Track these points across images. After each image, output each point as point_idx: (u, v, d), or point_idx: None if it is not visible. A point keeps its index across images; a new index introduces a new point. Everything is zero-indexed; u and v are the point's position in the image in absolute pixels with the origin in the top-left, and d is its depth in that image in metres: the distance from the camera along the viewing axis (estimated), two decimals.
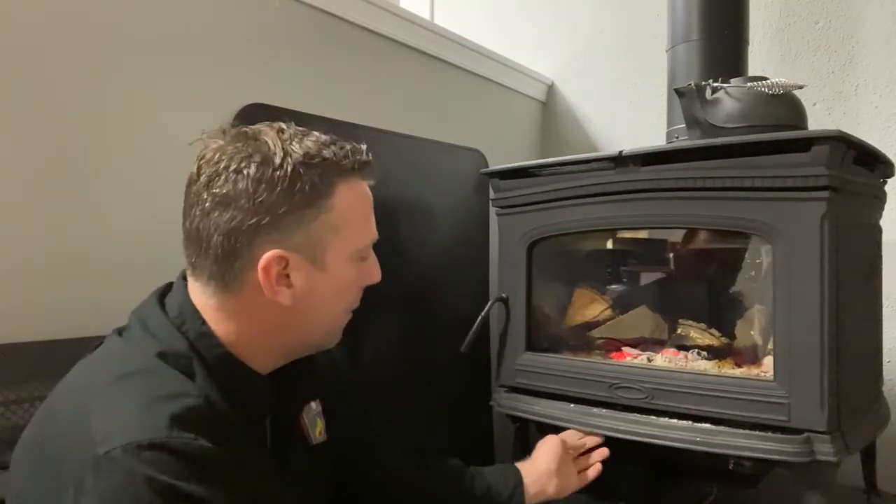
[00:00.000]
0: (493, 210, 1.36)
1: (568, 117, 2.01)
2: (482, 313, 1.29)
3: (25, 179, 0.90)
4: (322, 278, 0.70)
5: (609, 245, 1.46)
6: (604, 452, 1.10)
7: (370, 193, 0.76)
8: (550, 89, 2.03)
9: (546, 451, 1.05)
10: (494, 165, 1.37)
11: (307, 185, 0.67)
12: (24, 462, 0.63)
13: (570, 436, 1.12)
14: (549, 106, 2.04)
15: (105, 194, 0.98)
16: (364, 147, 0.74)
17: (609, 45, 1.92)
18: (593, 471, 1.07)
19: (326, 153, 0.69)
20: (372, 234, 0.76)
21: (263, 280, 0.67)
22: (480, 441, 1.60)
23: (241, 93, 1.14)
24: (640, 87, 1.85)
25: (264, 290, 0.67)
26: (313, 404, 0.82)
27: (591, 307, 1.36)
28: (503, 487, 0.98)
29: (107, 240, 0.99)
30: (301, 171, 0.66)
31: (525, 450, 1.31)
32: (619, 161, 1.12)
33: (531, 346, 1.26)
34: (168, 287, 0.74)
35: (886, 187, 1.18)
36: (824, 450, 0.93)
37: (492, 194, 1.34)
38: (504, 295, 1.30)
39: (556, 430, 1.16)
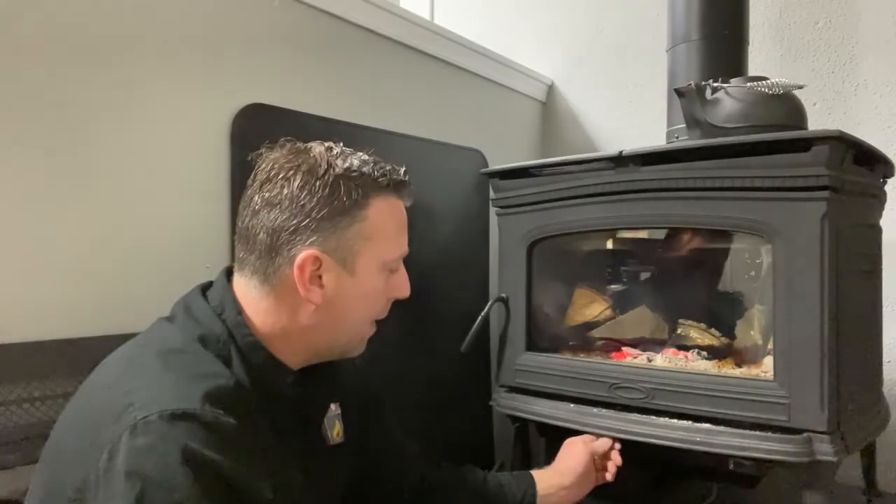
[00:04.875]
0: (493, 210, 1.36)
1: (568, 117, 2.00)
2: (482, 313, 1.29)
3: (26, 180, 0.90)
4: (350, 283, 0.75)
5: (609, 245, 1.46)
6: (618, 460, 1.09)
7: (404, 212, 0.80)
8: (550, 89, 2.03)
9: (572, 456, 1.06)
10: (494, 165, 1.37)
11: (345, 196, 0.73)
12: (62, 430, 0.69)
13: (591, 439, 1.11)
14: (549, 106, 2.04)
15: (105, 194, 0.98)
16: (403, 169, 0.79)
17: (609, 45, 1.92)
18: (610, 474, 1.07)
19: (366, 169, 0.75)
20: (402, 248, 0.80)
21: (298, 277, 0.72)
22: (480, 441, 1.60)
23: (241, 93, 1.14)
24: (640, 87, 1.85)
25: (298, 287, 0.73)
26: (333, 406, 0.86)
27: (591, 307, 1.36)
28: (516, 488, 1.00)
29: (108, 240, 0.98)
30: (341, 182, 0.73)
31: (525, 450, 1.31)
32: (619, 161, 1.12)
33: (531, 346, 1.26)
34: (210, 283, 0.80)
35: (886, 187, 1.18)
36: (824, 450, 0.93)
37: (492, 194, 1.34)
38: (504, 295, 1.30)
39: (556, 430, 1.16)
